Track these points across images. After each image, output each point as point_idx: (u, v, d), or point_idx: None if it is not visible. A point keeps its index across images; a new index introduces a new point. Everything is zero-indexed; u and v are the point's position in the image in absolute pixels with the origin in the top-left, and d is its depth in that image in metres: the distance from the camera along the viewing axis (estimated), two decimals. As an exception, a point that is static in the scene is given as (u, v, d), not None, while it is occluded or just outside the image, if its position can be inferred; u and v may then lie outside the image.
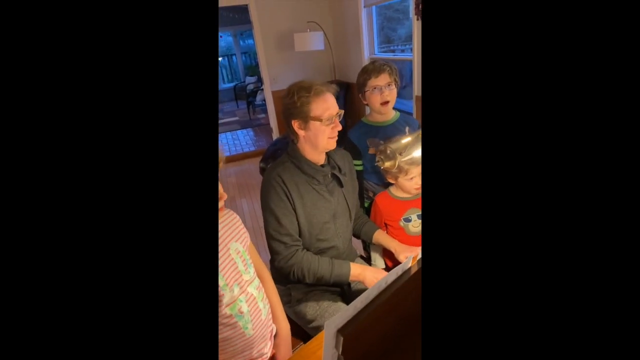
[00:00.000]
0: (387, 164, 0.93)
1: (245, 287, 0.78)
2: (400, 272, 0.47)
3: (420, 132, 0.84)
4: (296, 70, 3.72)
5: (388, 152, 0.86)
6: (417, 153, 0.82)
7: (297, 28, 3.47)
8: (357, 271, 1.00)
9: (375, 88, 1.21)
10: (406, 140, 0.83)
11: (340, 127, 0.98)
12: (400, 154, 0.81)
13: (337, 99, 0.99)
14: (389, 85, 1.21)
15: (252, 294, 0.80)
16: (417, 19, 2.17)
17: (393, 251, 1.11)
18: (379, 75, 1.20)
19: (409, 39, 2.73)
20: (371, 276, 0.98)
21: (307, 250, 1.02)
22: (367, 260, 1.37)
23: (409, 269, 0.48)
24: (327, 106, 0.93)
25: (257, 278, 0.84)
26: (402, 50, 2.86)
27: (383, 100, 1.22)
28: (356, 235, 1.22)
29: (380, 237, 1.16)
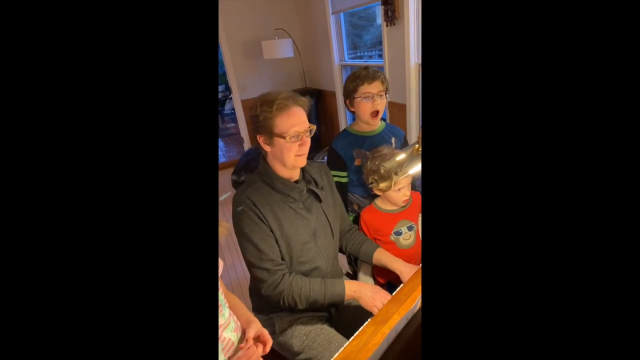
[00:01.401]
0: (383, 185, 0.87)
1: (220, 333, 0.69)
2: (410, 317, 0.40)
3: (414, 147, 0.78)
4: (266, 79, 3.64)
5: (382, 172, 0.80)
6: (413, 170, 0.77)
7: (264, 35, 3.39)
8: (354, 289, 0.91)
9: (366, 96, 1.14)
10: (400, 157, 0.78)
11: (309, 144, 0.89)
12: (396, 174, 0.76)
13: (310, 110, 0.90)
14: (380, 94, 1.14)
15: (230, 339, 0.71)
16: (387, 26, 2.16)
17: (399, 273, 0.99)
18: (372, 82, 1.13)
19: (375, 45, 2.76)
20: (368, 295, 0.89)
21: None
22: (353, 277, 1.30)
23: (419, 311, 0.42)
24: (292, 122, 0.85)
25: (232, 320, 0.75)
26: (370, 57, 2.88)
27: (374, 109, 1.15)
28: (353, 255, 1.12)
29: (382, 257, 1.04)
